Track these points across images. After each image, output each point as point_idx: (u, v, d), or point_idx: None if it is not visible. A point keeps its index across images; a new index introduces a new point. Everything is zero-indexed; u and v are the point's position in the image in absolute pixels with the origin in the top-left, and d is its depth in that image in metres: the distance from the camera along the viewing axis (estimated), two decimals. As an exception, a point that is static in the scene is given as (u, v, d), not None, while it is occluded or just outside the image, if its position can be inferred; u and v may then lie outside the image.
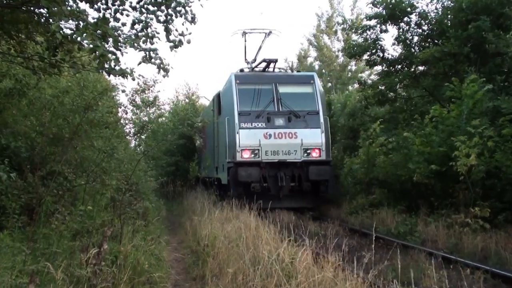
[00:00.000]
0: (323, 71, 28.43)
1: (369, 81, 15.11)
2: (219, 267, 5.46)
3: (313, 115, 11.37)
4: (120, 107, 10.65)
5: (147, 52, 5.20)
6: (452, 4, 11.44)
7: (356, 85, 20.12)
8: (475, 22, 10.00)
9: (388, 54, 12.92)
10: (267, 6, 53.43)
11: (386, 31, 12.58)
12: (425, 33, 12.31)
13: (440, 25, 11.39)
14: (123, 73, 4.94)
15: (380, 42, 12.76)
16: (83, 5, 5.07)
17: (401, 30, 12.46)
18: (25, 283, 3.63)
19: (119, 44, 4.87)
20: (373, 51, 12.83)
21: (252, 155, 10.87)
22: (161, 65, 5.27)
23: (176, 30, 5.34)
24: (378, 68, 14.22)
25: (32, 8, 5.22)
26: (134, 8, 5.31)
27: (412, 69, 12.70)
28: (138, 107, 11.30)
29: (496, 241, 7.03)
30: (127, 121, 10.88)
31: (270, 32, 13.29)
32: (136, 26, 5.31)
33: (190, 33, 5.37)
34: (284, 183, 10.86)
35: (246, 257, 4.91)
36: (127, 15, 5.29)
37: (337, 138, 15.32)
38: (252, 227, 6.11)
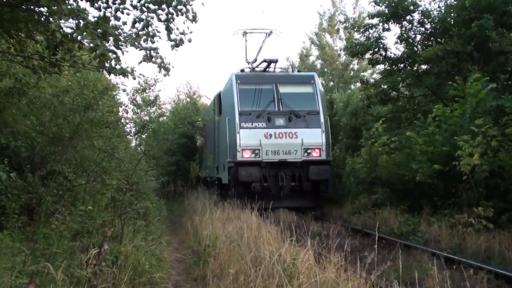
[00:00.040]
0: (325, 70, 28.40)
1: (372, 80, 15.09)
2: (220, 268, 5.44)
3: (314, 115, 11.43)
4: (121, 107, 10.66)
5: (147, 51, 5.17)
6: (455, 2, 11.39)
7: (358, 84, 20.07)
8: (478, 20, 9.95)
9: (391, 52, 12.89)
10: (269, 4, 53.42)
11: (388, 29, 12.54)
12: (428, 31, 12.25)
13: (443, 23, 11.33)
14: (123, 72, 4.92)
15: (382, 41, 12.71)
16: (84, 4, 5.05)
17: (403, 28, 12.41)
18: (25, 283, 3.60)
19: (119, 43, 4.84)
20: (376, 49, 12.79)
21: (253, 155, 10.94)
22: (162, 64, 5.24)
23: (177, 29, 5.32)
24: (381, 67, 14.19)
25: (32, 7, 5.21)
26: (135, 7, 5.28)
27: (415, 68, 12.65)
28: (138, 107, 11.28)
29: (499, 241, 6.99)
30: (127, 121, 10.88)
31: (271, 32, 13.36)
32: (137, 25, 5.29)
33: (191, 32, 5.34)
34: (284, 183, 10.93)
35: (247, 257, 4.90)
36: (128, 14, 5.26)
37: (339, 137, 15.28)
38: (253, 227, 6.08)
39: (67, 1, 4.66)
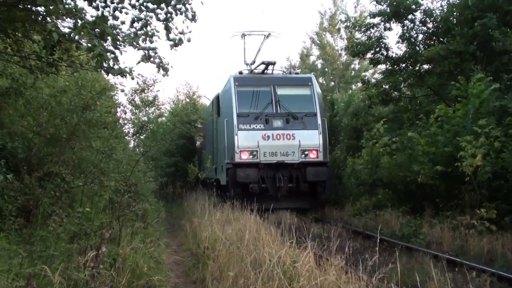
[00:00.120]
0: (326, 69, 28.36)
1: (373, 80, 15.03)
2: (219, 270, 5.39)
3: (311, 116, 11.54)
4: (119, 107, 10.60)
5: (146, 51, 5.12)
6: (457, 1, 11.33)
7: (359, 84, 20.01)
8: (481, 19, 9.90)
9: (392, 52, 12.87)
10: (269, 4, 53.39)
11: (390, 29, 12.52)
12: (430, 31, 12.20)
13: (445, 22, 11.28)
14: (122, 72, 4.89)
15: (384, 40, 12.69)
16: (82, 3, 5.00)
17: (405, 28, 12.37)
18: (21, 286, 3.57)
19: (117, 42, 4.79)
20: (377, 49, 12.76)
21: (251, 156, 11.05)
22: (161, 64, 5.20)
23: (176, 28, 5.27)
24: (382, 66, 14.14)
25: (29, 6, 5.16)
26: (133, 6, 5.22)
27: (417, 68, 12.61)
28: (137, 107, 11.23)
29: (502, 243, 6.96)
30: (126, 121, 10.83)
31: (269, 34, 13.44)
32: (135, 24, 5.22)
33: (190, 32, 5.29)
34: (282, 184, 11.04)
35: (247, 259, 4.84)
36: (126, 13, 5.20)
37: (340, 138, 15.23)
38: (253, 229, 6.02)
39: (64, 1, 4.60)
